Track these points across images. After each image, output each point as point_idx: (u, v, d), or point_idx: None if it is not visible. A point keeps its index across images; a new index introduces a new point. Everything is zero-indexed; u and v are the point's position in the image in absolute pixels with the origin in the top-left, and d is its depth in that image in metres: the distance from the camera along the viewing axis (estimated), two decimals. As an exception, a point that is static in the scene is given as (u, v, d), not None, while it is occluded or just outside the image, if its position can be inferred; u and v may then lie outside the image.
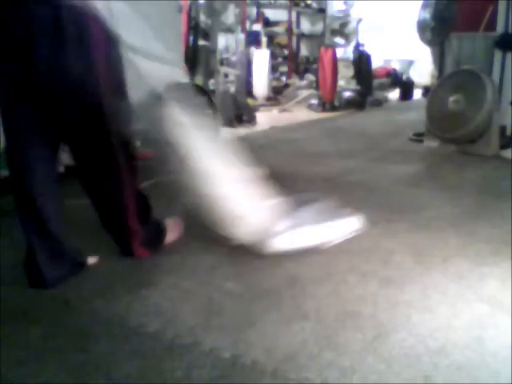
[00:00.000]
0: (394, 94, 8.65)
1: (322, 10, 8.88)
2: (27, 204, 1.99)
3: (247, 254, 2.19)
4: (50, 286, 1.95)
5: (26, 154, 1.95)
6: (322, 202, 2.33)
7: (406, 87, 8.65)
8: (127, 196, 2.11)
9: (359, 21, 8.29)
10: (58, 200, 2.08)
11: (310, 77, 8.48)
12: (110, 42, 2.09)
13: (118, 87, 2.21)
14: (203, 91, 4.67)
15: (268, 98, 7.41)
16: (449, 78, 4.46)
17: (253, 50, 7.48)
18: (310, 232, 2.24)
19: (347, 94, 7.26)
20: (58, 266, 2.00)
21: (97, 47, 1.98)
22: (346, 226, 2.35)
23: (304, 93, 7.67)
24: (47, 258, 1.97)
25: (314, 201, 2.32)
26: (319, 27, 9.24)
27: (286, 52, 9.04)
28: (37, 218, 1.99)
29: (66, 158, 3.02)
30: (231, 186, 2.16)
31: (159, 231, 2.35)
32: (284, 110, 6.96)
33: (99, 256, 2.22)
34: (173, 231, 2.40)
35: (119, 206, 2.12)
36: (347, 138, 5.23)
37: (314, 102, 7.14)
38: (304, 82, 8.37)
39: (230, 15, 7.31)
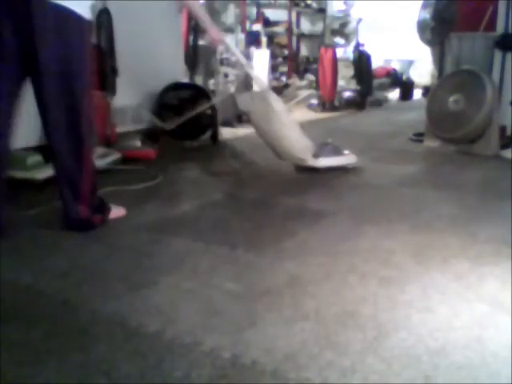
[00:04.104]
0: (394, 94, 8.65)
1: (322, 10, 8.89)
2: None
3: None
4: None
5: None
6: (332, 144, 3.81)
7: (406, 87, 8.65)
8: (86, 154, 2.45)
9: (359, 21, 8.29)
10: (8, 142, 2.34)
11: (310, 77, 8.48)
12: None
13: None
14: (203, 91, 4.67)
15: (268, 98, 7.40)
16: (449, 78, 4.46)
17: (253, 49, 7.47)
18: (335, 159, 3.75)
19: (347, 94, 7.26)
20: None
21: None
22: (350, 158, 3.83)
23: (304, 93, 7.67)
24: None
25: (329, 143, 3.81)
26: (319, 27, 9.24)
27: (286, 52, 9.04)
28: None
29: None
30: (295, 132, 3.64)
31: (104, 203, 2.64)
32: (284, 110, 6.96)
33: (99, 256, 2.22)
34: (117, 210, 2.72)
35: (79, 158, 2.43)
36: (347, 137, 5.23)
37: (314, 102, 7.14)
38: (304, 82, 8.37)
39: (230, 15, 7.32)
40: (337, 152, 3.77)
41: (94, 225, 2.54)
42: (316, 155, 3.62)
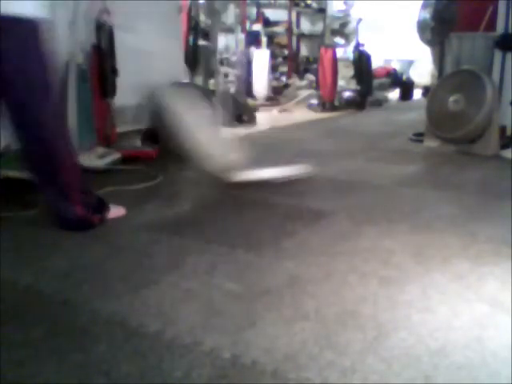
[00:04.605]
0: (394, 94, 8.65)
1: (322, 10, 8.89)
2: None
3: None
4: None
5: None
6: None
7: (406, 87, 8.66)
8: (61, 146, 2.44)
9: (359, 21, 8.29)
10: None
11: (310, 77, 8.49)
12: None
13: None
14: (203, 91, 4.67)
15: (268, 98, 7.41)
16: (449, 78, 4.46)
17: (253, 50, 7.48)
18: (266, 171, 3.14)
19: (347, 94, 7.26)
20: None
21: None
22: (293, 170, 3.20)
23: (304, 93, 7.67)
24: None
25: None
26: (319, 27, 9.25)
27: (286, 52, 9.04)
28: None
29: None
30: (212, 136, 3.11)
31: (103, 203, 2.62)
32: (284, 110, 6.96)
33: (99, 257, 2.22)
34: (116, 210, 2.69)
35: (52, 154, 2.41)
36: (347, 137, 5.24)
37: (314, 102, 7.14)
38: (304, 82, 8.38)
39: (230, 15, 7.32)
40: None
41: (92, 224, 2.54)
42: (241, 166, 3.08)
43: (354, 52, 7.66)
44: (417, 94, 8.71)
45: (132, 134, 4.22)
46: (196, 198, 3.11)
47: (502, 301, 1.84)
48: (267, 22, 8.81)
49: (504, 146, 4.24)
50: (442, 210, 2.89)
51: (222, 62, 6.31)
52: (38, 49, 2.29)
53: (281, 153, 4.42)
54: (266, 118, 6.17)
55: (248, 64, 6.97)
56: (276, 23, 9.02)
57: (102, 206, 2.63)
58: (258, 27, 8.17)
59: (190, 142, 3.03)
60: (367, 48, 7.61)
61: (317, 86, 7.34)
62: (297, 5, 9.09)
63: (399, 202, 3.04)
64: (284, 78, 8.61)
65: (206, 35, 5.18)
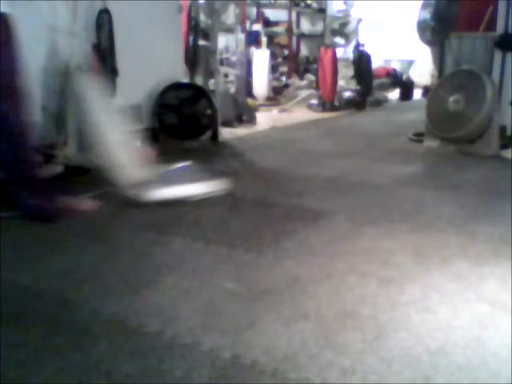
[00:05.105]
0: (394, 94, 8.64)
1: (322, 10, 8.87)
2: None
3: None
4: None
5: None
6: (190, 167, 2.93)
7: (406, 87, 8.65)
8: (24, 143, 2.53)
9: (359, 21, 8.29)
10: None
11: (310, 77, 8.47)
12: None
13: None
14: (203, 91, 4.67)
15: (268, 98, 7.40)
16: (449, 78, 4.46)
17: (253, 49, 7.47)
18: (178, 188, 2.77)
19: (347, 94, 7.25)
20: None
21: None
22: (208, 186, 2.87)
23: (304, 93, 7.66)
24: None
25: (183, 166, 2.93)
26: (319, 27, 9.23)
27: (285, 52, 9.03)
28: None
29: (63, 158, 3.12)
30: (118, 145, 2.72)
31: (62, 194, 2.68)
32: (284, 110, 6.96)
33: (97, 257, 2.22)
34: (86, 203, 2.73)
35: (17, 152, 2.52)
36: (347, 137, 5.23)
37: (314, 101, 7.14)
38: (304, 82, 8.36)
39: (230, 15, 7.31)
40: (188, 179, 2.89)
41: (53, 213, 2.62)
42: (149, 182, 2.74)
43: (353, 52, 7.66)
44: (417, 94, 8.70)
45: (132, 134, 4.21)
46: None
47: (502, 301, 1.84)
48: (267, 22, 8.80)
49: (504, 146, 4.24)
50: (442, 210, 2.89)
51: (221, 62, 6.30)
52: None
53: (281, 153, 4.42)
54: (266, 118, 6.17)
55: (248, 64, 6.96)
56: (276, 23, 9.02)
57: (59, 197, 2.69)
58: (258, 27, 8.16)
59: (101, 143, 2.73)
60: (367, 48, 7.60)
61: (317, 86, 7.33)
62: (297, 5, 9.07)
63: (399, 202, 3.04)
64: (284, 78, 8.60)
65: (206, 35, 5.18)
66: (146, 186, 2.68)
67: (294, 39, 9.36)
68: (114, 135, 2.72)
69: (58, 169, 3.32)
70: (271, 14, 9.04)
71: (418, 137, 4.83)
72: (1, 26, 2.33)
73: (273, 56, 7.95)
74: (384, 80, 8.79)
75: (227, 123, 5.28)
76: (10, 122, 2.49)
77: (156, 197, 2.68)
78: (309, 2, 9.20)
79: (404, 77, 8.95)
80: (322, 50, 7.01)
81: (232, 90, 6.06)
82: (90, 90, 2.68)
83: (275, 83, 8.00)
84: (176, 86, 4.52)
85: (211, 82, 5.04)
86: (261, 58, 7.34)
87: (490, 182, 3.57)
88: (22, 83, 2.52)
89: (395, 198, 3.15)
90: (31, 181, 2.62)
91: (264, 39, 7.79)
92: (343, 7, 9.14)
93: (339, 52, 7.93)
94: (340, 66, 7.28)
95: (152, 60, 4.31)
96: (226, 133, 4.97)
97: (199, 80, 4.98)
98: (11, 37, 2.42)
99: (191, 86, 4.71)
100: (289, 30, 8.94)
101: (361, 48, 7.51)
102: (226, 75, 6.38)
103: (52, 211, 2.62)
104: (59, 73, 3.48)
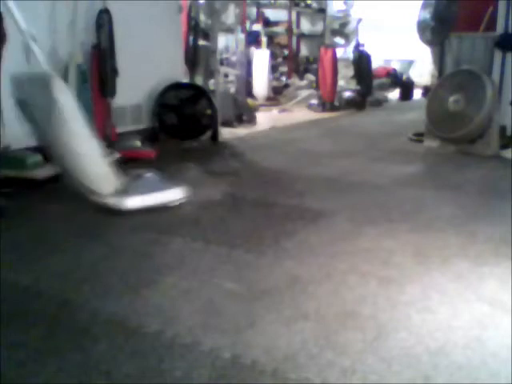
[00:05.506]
0: (394, 94, 8.65)
1: (322, 10, 8.87)
2: None
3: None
4: None
5: None
6: (153, 175, 2.97)
7: (406, 87, 8.65)
8: None
9: (359, 21, 8.28)
10: None
11: (310, 77, 8.48)
12: None
13: None
14: (203, 91, 4.67)
15: (268, 98, 7.41)
16: (449, 78, 4.46)
17: (253, 49, 7.47)
18: (149, 196, 2.80)
19: (347, 94, 7.26)
20: None
21: None
22: (173, 193, 2.91)
23: (304, 93, 7.66)
24: None
25: (147, 174, 2.97)
26: (319, 27, 9.23)
27: (285, 52, 9.03)
28: None
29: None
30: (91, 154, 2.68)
31: None
32: (284, 110, 6.96)
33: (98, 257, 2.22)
34: None
35: None
36: (347, 137, 5.24)
37: (314, 101, 7.14)
38: (304, 82, 8.36)
39: (230, 15, 7.31)
40: (155, 187, 2.89)
41: None
42: (122, 191, 2.73)
43: (353, 52, 7.65)
44: (417, 94, 8.70)
45: (132, 134, 4.22)
46: (196, 197, 3.10)
47: (502, 301, 1.84)
48: (267, 22, 8.80)
49: (504, 146, 4.24)
50: (442, 209, 2.89)
51: (221, 62, 6.30)
52: None
53: (281, 153, 4.42)
54: (266, 118, 6.17)
55: (248, 64, 6.96)
56: (276, 23, 9.02)
57: None
58: (258, 27, 8.16)
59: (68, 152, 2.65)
60: (367, 48, 7.60)
61: (317, 86, 7.33)
62: (297, 5, 9.07)
63: (399, 202, 3.04)
64: (284, 78, 8.60)
65: (206, 35, 5.18)
66: (121, 194, 2.71)
67: (294, 39, 9.36)
68: (86, 145, 2.65)
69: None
70: (271, 13, 9.04)
71: (418, 137, 4.83)
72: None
73: (273, 56, 7.95)
74: (384, 80, 8.80)
75: (227, 123, 5.28)
76: None
77: (133, 204, 2.71)
78: (309, 1, 9.20)
79: (404, 77, 8.95)
80: (322, 50, 7.01)
81: (232, 90, 6.06)
82: (65, 97, 2.55)
83: (275, 83, 8.00)
84: (176, 86, 4.53)
85: (211, 82, 5.05)
86: (261, 58, 7.34)
87: (490, 181, 3.57)
88: None
89: (395, 198, 3.15)
90: None
91: (264, 39, 7.79)
92: (343, 7, 9.15)
93: (339, 52, 7.94)
94: (340, 66, 7.29)
95: (152, 60, 4.32)
96: (226, 133, 4.97)
97: (199, 80, 4.98)
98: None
99: (191, 86, 4.71)
100: (289, 30, 8.94)
101: (361, 48, 7.51)
102: (226, 75, 6.38)
103: None
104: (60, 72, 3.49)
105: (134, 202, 2.71)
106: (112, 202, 2.65)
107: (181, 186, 2.93)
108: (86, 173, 2.61)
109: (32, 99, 2.58)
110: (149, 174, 2.95)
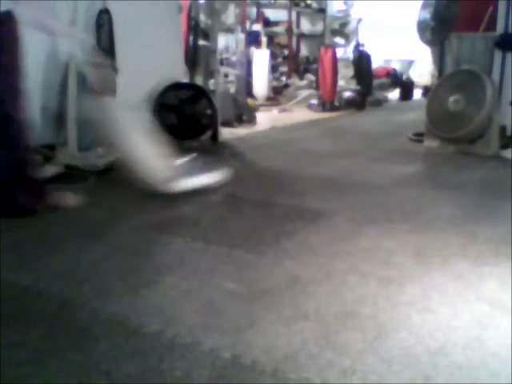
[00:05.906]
0: (394, 94, 8.65)
1: (322, 10, 8.87)
2: None
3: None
4: None
5: None
6: (198, 160, 3.45)
7: (406, 87, 8.65)
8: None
9: (359, 21, 8.28)
10: None
11: (310, 77, 8.47)
12: None
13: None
14: (203, 91, 4.67)
15: (268, 98, 7.40)
16: (449, 78, 4.46)
17: (253, 49, 7.47)
18: (195, 179, 3.13)
19: (347, 94, 7.25)
20: None
21: None
22: (215, 176, 3.25)
23: (304, 93, 7.66)
24: None
25: (193, 159, 3.47)
26: (319, 27, 9.23)
27: (285, 52, 9.03)
28: None
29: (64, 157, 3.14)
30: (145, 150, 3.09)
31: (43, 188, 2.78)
32: (284, 110, 6.96)
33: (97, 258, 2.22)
34: (66, 198, 2.83)
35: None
36: (347, 137, 5.24)
37: (314, 102, 7.14)
38: (304, 82, 8.36)
39: (230, 15, 7.31)
40: (199, 170, 3.25)
41: (34, 208, 2.67)
42: (170, 178, 3.07)
43: (353, 52, 7.65)
44: (417, 94, 8.70)
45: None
46: (196, 197, 3.10)
47: (502, 301, 1.84)
48: (267, 22, 8.80)
49: (504, 146, 4.24)
50: (442, 210, 2.89)
51: (221, 62, 6.30)
52: None
53: (281, 153, 4.42)
54: (266, 118, 6.17)
55: (248, 64, 6.96)
56: (276, 23, 9.02)
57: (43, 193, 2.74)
58: (258, 27, 8.16)
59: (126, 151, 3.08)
60: (367, 48, 7.60)
61: (317, 85, 7.33)
62: (297, 5, 9.07)
63: (399, 202, 3.04)
64: (284, 78, 8.60)
65: (206, 35, 5.17)
66: (170, 178, 3.02)
67: (294, 39, 9.36)
68: (135, 135, 3.10)
69: (56, 169, 3.34)
70: (271, 13, 9.04)
71: (418, 137, 4.83)
72: (6, 25, 2.30)
73: (273, 56, 7.95)
74: (384, 80, 8.79)
75: (227, 123, 5.28)
76: (8, 122, 2.47)
77: (181, 187, 3.02)
78: (309, 1, 9.19)
79: (404, 77, 8.95)
80: (322, 50, 7.01)
81: (232, 90, 6.06)
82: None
83: (275, 83, 8.00)
84: (176, 86, 4.52)
85: (211, 81, 5.04)
86: (261, 58, 7.34)
87: (490, 182, 3.57)
88: (23, 82, 2.51)
89: (395, 198, 3.15)
90: (24, 180, 2.64)
91: (264, 39, 7.79)
92: (343, 7, 9.14)
93: (339, 52, 7.93)
94: (340, 66, 7.28)
95: (152, 60, 4.31)
96: (226, 133, 4.97)
97: (199, 80, 4.98)
98: (15, 35, 2.41)
99: (191, 86, 4.71)
100: (289, 30, 8.94)
101: (361, 48, 7.51)
102: (226, 75, 6.38)
103: (35, 206, 2.66)
104: (60, 72, 3.50)
105: (182, 184, 3.05)
106: (165, 187, 2.98)
107: (221, 170, 3.29)
108: (143, 164, 3.01)
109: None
110: (193, 159, 3.41)
